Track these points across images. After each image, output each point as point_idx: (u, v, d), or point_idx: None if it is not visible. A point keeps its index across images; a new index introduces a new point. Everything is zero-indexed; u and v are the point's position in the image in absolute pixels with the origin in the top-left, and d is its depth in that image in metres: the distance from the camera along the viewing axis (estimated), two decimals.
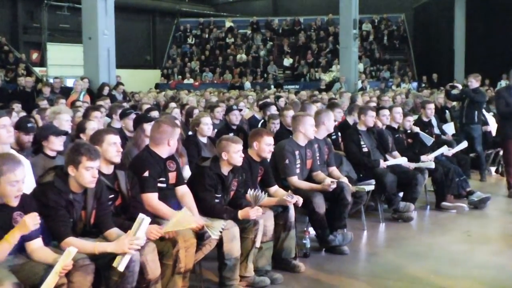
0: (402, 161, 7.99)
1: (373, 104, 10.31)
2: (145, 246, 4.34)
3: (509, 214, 8.46)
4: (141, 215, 4.27)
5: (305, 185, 6.35)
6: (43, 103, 10.29)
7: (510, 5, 25.72)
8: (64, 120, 6.85)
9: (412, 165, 8.06)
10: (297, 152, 6.48)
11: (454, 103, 12.71)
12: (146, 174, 5.03)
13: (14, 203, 3.99)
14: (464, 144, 9.29)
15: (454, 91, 11.60)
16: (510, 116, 8.81)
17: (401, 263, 6.29)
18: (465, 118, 10.60)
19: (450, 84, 13.31)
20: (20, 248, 3.92)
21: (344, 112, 9.76)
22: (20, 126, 6.18)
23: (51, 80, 17.51)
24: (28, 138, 6.25)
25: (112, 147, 4.76)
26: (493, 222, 8.14)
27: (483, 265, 6.19)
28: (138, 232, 4.18)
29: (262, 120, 9.60)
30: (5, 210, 4.03)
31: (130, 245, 4.07)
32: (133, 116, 7.47)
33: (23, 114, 8.59)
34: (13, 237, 3.94)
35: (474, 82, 10.78)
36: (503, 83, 19.51)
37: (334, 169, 7.00)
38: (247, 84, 28.54)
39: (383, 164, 7.89)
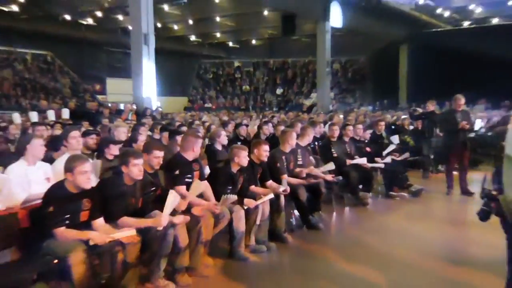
0: (362, 161, 8.05)
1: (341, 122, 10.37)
2: (177, 225, 4.41)
3: (438, 201, 8.51)
4: (171, 192, 4.39)
5: (292, 180, 6.39)
6: (105, 121, 10.35)
7: (442, 49, 25.79)
8: (122, 132, 6.93)
9: (369, 165, 8.10)
10: (283, 157, 6.53)
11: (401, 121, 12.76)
12: (177, 172, 5.09)
13: (86, 185, 4.08)
14: (391, 147, 9.17)
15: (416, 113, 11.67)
16: (451, 133, 8.58)
17: (360, 236, 6.34)
18: (427, 133, 10.53)
19: (412, 108, 13.31)
20: None
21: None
22: (86, 134, 6.32)
23: (109, 105, 17.62)
24: (92, 141, 6.36)
25: (157, 159, 4.84)
26: (426, 206, 8.17)
27: (418, 237, 6.22)
28: (169, 205, 4.31)
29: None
30: (77, 197, 4.08)
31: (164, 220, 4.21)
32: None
33: (91, 128, 8.65)
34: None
35: (431, 106, 10.75)
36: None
37: (312, 168, 7.05)
38: (251, 107, 28.42)
39: (348, 162, 7.96)
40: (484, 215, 3.04)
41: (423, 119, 10.84)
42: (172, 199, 4.34)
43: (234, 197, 5.14)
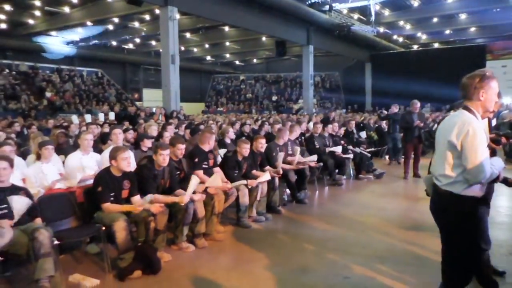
0: (337, 149, 7.99)
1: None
2: (196, 200, 4.35)
3: (396, 182, 8.42)
4: (193, 176, 4.35)
5: (284, 166, 6.31)
6: (141, 121, 10.26)
7: (397, 66, 25.73)
8: (153, 129, 6.86)
9: (342, 155, 8.00)
10: (278, 148, 6.45)
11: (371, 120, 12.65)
12: (196, 160, 5.02)
13: (127, 169, 4.06)
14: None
15: (383, 115, 11.62)
16: (408, 129, 8.38)
17: (336, 208, 6.26)
18: (391, 129, 10.24)
19: (380, 111, 13.17)
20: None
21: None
22: (126, 130, 6.26)
23: (144, 109, 17.54)
24: (131, 136, 6.31)
25: (180, 151, 4.76)
26: (387, 186, 8.09)
27: (381, 208, 6.15)
28: (192, 186, 4.25)
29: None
30: (119, 179, 4.03)
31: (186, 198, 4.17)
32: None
33: (130, 127, 8.60)
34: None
35: (394, 109, 10.57)
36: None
37: (299, 156, 6.97)
38: (253, 110, 28.33)
39: (327, 150, 7.92)
40: (428, 193, 2.93)
41: (388, 119, 10.64)
42: (194, 182, 4.30)
43: (243, 182, 5.14)
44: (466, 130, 2.37)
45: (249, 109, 29.53)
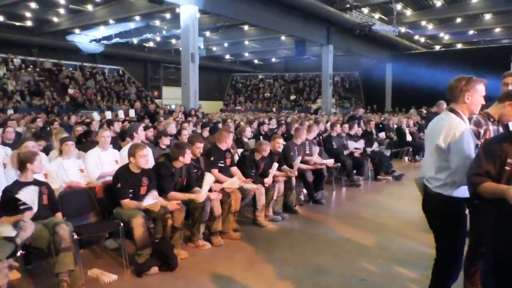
0: (359, 144, 7.98)
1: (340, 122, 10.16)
2: (213, 199, 4.36)
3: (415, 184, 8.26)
4: (207, 174, 4.38)
5: (301, 165, 6.27)
6: (160, 119, 10.35)
7: (418, 67, 25.31)
8: (172, 127, 6.91)
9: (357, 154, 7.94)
10: (296, 148, 6.42)
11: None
12: (212, 158, 5.03)
13: (145, 166, 4.09)
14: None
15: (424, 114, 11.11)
16: None
17: (354, 209, 6.19)
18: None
19: (420, 110, 12.84)
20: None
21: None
22: (147, 128, 6.32)
23: (164, 107, 17.70)
24: (151, 134, 6.37)
25: (199, 149, 4.78)
26: (406, 188, 7.95)
27: (401, 211, 6.06)
28: (206, 184, 4.26)
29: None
30: (138, 176, 4.07)
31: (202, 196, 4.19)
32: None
33: (150, 124, 8.68)
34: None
35: (435, 108, 10.08)
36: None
37: (317, 156, 6.92)
38: (274, 109, 28.21)
39: (348, 150, 7.86)
40: None
41: (427, 118, 10.02)
42: (208, 179, 4.31)
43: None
44: (453, 134, 2.48)
45: (270, 108, 29.35)
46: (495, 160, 2.09)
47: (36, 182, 3.63)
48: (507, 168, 1.93)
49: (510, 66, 22.83)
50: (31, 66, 22.82)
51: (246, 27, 26.19)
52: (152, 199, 3.91)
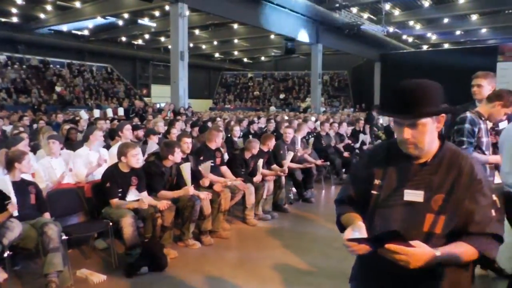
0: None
1: (331, 121, 10.20)
2: (202, 198, 4.34)
3: None
4: (182, 166, 4.34)
5: (290, 164, 6.29)
6: (149, 117, 10.28)
7: (406, 66, 25.52)
8: (161, 126, 6.87)
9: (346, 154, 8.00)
10: (285, 147, 6.44)
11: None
12: (201, 158, 5.01)
13: (136, 165, 4.05)
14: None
15: None
16: None
17: None
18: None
19: None
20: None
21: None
22: (136, 127, 6.26)
23: (153, 105, 17.58)
24: (141, 133, 6.32)
25: (186, 144, 4.76)
26: None
27: None
28: (186, 174, 4.30)
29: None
30: (127, 175, 4.04)
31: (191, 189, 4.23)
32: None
33: (139, 123, 8.62)
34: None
35: None
36: None
37: (306, 155, 6.95)
38: (272, 108, 27.84)
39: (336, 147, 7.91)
40: None
41: None
42: (186, 169, 4.31)
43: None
44: None
45: (265, 107, 29.18)
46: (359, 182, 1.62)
47: (23, 182, 3.58)
48: (373, 192, 1.50)
49: (496, 66, 23.23)
50: (17, 63, 22.47)
51: (235, 26, 26.16)
52: (134, 196, 3.89)
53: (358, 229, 1.44)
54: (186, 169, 4.30)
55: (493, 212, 1.39)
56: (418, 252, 1.27)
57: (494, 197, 1.41)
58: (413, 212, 1.41)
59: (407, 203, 1.43)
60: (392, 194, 1.47)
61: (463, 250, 1.35)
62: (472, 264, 1.44)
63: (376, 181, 1.52)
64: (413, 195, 1.42)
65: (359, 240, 1.37)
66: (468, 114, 2.92)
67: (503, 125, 3.22)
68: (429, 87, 1.43)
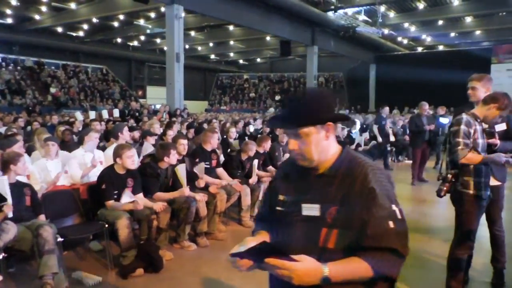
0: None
1: None
2: (198, 200, 4.35)
3: (399, 184, 8.37)
4: (177, 168, 4.35)
5: None
6: (145, 119, 10.27)
7: (401, 68, 25.64)
8: (156, 128, 6.85)
9: None
10: (280, 149, 6.46)
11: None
12: (197, 160, 5.01)
13: (131, 167, 4.05)
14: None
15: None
16: (418, 133, 7.85)
17: None
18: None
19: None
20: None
21: None
22: (132, 128, 6.25)
23: (148, 106, 17.56)
24: (137, 134, 6.31)
25: (182, 146, 4.77)
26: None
27: None
28: (182, 176, 4.31)
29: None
30: (123, 177, 4.04)
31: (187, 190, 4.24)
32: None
33: (134, 124, 8.61)
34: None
35: (441, 111, 9.81)
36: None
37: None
38: (271, 109, 27.75)
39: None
40: (439, 193, 3.04)
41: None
42: (181, 170, 4.32)
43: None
44: None
45: (264, 107, 29.12)
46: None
47: (18, 183, 3.57)
48: (278, 208, 1.44)
49: (490, 68, 23.40)
50: (12, 64, 22.36)
51: (231, 27, 26.17)
52: (129, 197, 3.89)
53: (245, 245, 1.34)
54: (181, 170, 4.30)
55: (390, 224, 1.27)
56: (300, 268, 1.19)
57: (394, 207, 1.31)
58: (311, 227, 1.32)
59: (306, 218, 1.34)
60: (293, 209, 1.38)
61: (355, 266, 1.25)
62: (389, 283, 1.32)
63: (281, 197, 1.44)
64: (310, 209, 1.34)
65: (240, 255, 1.29)
66: (463, 115, 2.96)
67: (499, 127, 3.25)
68: (313, 95, 1.36)
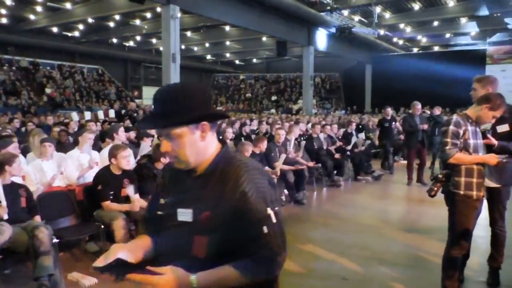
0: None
1: (323, 123, 10.20)
2: None
3: (395, 184, 8.43)
4: None
5: (283, 166, 6.32)
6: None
7: (397, 68, 25.72)
8: None
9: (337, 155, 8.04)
10: (276, 149, 6.46)
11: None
12: None
13: (126, 167, 4.03)
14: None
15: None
16: (412, 133, 7.72)
17: (334, 209, 6.27)
18: (433, 132, 9.00)
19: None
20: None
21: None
22: (128, 129, 6.22)
23: (144, 106, 17.52)
24: (133, 135, 6.28)
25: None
26: (386, 188, 8.10)
27: (381, 211, 6.16)
28: None
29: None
30: (119, 177, 4.02)
31: None
32: None
33: (130, 125, 8.58)
34: None
35: (437, 111, 9.81)
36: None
37: (298, 157, 6.97)
38: (273, 111, 27.71)
39: (328, 149, 7.97)
40: (430, 192, 3.04)
41: (429, 121, 9.17)
42: None
43: None
44: None
45: (249, 109, 29.23)
46: None
47: (14, 185, 3.55)
48: (159, 212, 1.38)
49: (485, 68, 23.52)
50: (6, 65, 22.24)
51: (227, 28, 26.15)
52: (132, 191, 3.89)
53: (113, 255, 1.23)
54: None
55: (264, 229, 1.17)
56: (164, 281, 1.12)
57: (269, 211, 1.19)
58: (184, 234, 1.22)
59: (181, 223, 1.24)
60: (170, 214, 1.27)
61: (226, 275, 1.17)
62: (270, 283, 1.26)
63: (162, 200, 1.34)
64: (184, 215, 1.23)
65: (101, 269, 1.20)
66: (454, 116, 2.99)
67: (501, 128, 3.26)
68: (184, 91, 1.22)
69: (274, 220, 1.20)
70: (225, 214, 1.18)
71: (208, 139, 1.25)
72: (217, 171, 1.24)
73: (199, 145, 1.24)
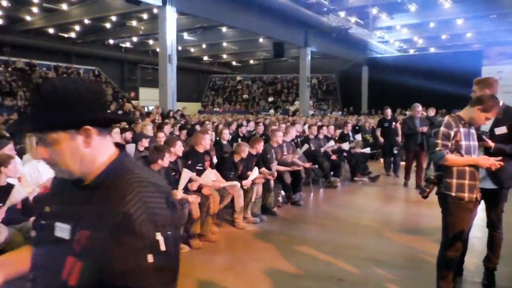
0: (331, 143, 8.14)
1: (319, 124, 10.18)
2: (191, 201, 4.34)
3: (391, 186, 8.44)
4: (184, 170, 4.50)
5: (279, 167, 6.33)
6: (138, 120, 10.22)
7: (393, 69, 25.78)
8: (149, 130, 6.83)
9: (334, 157, 8.06)
10: (272, 151, 6.47)
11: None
12: (189, 162, 5.01)
13: None
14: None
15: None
16: (411, 135, 7.64)
17: (331, 210, 6.28)
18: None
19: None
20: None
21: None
22: (124, 130, 6.21)
23: (141, 108, 17.47)
24: (130, 136, 6.27)
25: (180, 147, 4.76)
26: (382, 189, 8.12)
27: (377, 212, 6.18)
28: (182, 180, 4.41)
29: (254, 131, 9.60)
30: None
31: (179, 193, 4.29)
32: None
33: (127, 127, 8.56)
34: None
35: (432, 112, 9.65)
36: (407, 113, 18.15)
37: (295, 158, 6.97)
38: (272, 111, 27.73)
39: (322, 149, 7.96)
40: (423, 194, 3.09)
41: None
42: (184, 175, 4.36)
43: (235, 182, 5.17)
44: None
45: (246, 110, 29.25)
46: None
47: (10, 186, 3.54)
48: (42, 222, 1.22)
49: (481, 70, 23.62)
50: (2, 66, 22.14)
51: (224, 29, 26.17)
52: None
53: None
54: (185, 175, 4.30)
55: (149, 258, 0.95)
56: None
57: (158, 237, 0.96)
58: (58, 253, 1.03)
59: (56, 239, 1.05)
60: (50, 226, 1.08)
61: None
62: None
63: (47, 208, 1.15)
64: (62, 230, 1.04)
65: None
66: (446, 117, 3.00)
67: (499, 130, 3.27)
68: (62, 89, 1.03)
69: (163, 248, 0.97)
70: (104, 237, 0.96)
71: (95, 145, 1.06)
72: (105, 183, 1.04)
73: (83, 153, 1.05)
